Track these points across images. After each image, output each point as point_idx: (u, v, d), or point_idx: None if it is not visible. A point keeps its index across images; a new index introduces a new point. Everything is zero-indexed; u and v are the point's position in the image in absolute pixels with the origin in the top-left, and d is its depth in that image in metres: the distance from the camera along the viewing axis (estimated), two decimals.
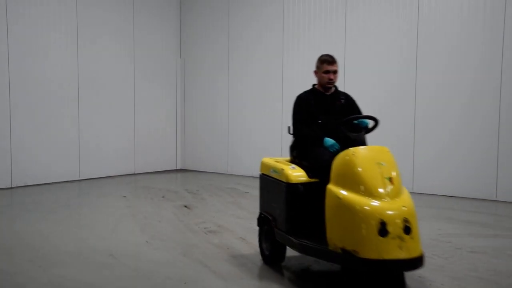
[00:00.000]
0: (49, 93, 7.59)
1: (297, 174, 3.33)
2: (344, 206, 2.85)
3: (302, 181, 3.28)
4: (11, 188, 7.13)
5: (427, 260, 3.71)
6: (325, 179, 3.09)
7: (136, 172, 9.09)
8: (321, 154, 3.38)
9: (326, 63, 3.69)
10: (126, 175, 8.84)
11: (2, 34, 6.96)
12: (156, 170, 9.46)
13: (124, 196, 6.59)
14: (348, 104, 3.78)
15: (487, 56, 6.27)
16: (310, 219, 3.20)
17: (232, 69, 9.02)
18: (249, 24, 8.75)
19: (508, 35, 6.12)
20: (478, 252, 3.97)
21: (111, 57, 8.52)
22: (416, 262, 2.85)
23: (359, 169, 2.95)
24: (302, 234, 3.18)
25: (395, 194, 2.90)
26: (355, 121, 3.54)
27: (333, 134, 3.47)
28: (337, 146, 3.40)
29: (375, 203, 2.79)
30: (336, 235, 2.86)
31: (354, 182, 2.91)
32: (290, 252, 3.50)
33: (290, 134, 3.76)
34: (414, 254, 2.81)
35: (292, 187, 3.27)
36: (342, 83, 7.53)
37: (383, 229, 2.70)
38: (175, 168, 9.90)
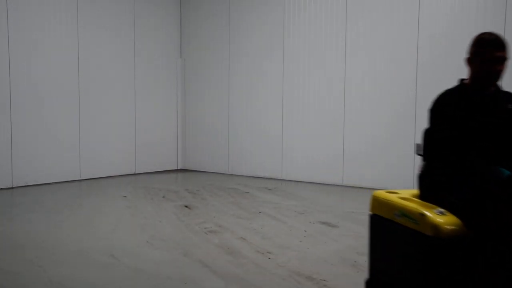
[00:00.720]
0: (50, 94, 7.60)
1: (450, 223, 2.16)
2: None
3: (458, 235, 2.13)
4: (12, 188, 7.14)
5: None
6: (495, 231, 2.02)
7: (136, 172, 9.10)
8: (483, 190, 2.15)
9: (492, 47, 2.41)
10: (126, 175, 8.85)
11: (3, 34, 6.96)
12: (157, 170, 9.47)
13: (125, 196, 6.60)
14: None
15: None
16: None
17: (233, 69, 9.02)
18: (250, 24, 8.74)
19: (509, 36, 6.11)
20: None
21: (111, 57, 8.53)
22: None
23: None
24: None
25: None
26: None
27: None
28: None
29: None
30: None
31: None
32: None
33: (419, 155, 2.66)
34: None
35: (443, 245, 2.12)
36: (343, 83, 7.54)
37: None
38: (176, 168, 9.91)
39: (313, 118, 7.96)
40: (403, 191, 2.70)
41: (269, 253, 3.91)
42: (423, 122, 6.98)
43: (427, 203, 2.37)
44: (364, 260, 3.70)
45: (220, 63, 9.21)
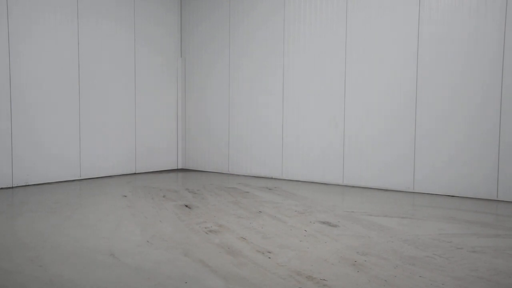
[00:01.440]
0: (50, 94, 7.60)
1: None
2: None
3: None
4: (12, 187, 7.14)
5: (428, 260, 3.71)
6: None
7: (136, 172, 9.10)
8: None
9: None
10: (126, 174, 8.86)
11: (3, 33, 6.97)
12: (157, 170, 9.48)
13: (125, 196, 6.60)
14: None
15: (486, 55, 6.26)
16: None
17: (233, 68, 9.02)
18: (250, 23, 8.74)
19: (509, 35, 6.11)
20: (479, 252, 3.97)
21: (112, 56, 8.53)
22: None
23: None
24: None
25: None
26: None
27: None
28: None
29: None
30: None
31: None
32: None
33: None
34: None
35: None
36: (343, 81, 7.54)
37: None
38: (176, 168, 9.91)
39: (314, 117, 7.96)
40: None
41: (269, 252, 3.91)
42: (424, 122, 7.04)
43: None
44: (364, 259, 3.71)
45: (220, 62, 9.21)
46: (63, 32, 7.73)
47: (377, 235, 4.48)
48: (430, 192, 6.83)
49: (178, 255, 3.87)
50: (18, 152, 7.22)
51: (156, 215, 5.35)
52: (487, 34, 6.24)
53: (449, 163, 6.64)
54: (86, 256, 3.83)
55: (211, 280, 3.29)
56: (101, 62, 8.34)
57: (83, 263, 3.66)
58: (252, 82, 8.78)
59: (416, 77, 6.84)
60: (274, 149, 8.52)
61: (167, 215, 5.37)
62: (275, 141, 8.49)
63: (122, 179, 8.26)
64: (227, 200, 6.33)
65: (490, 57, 6.24)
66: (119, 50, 8.68)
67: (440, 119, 6.68)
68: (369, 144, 7.32)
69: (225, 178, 8.54)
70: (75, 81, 7.95)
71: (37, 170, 7.48)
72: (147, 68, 9.21)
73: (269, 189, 7.31)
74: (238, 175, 8.97)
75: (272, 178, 8.54)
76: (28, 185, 7.35)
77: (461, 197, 6.57)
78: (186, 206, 5.90)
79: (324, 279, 3.29)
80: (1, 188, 7.03)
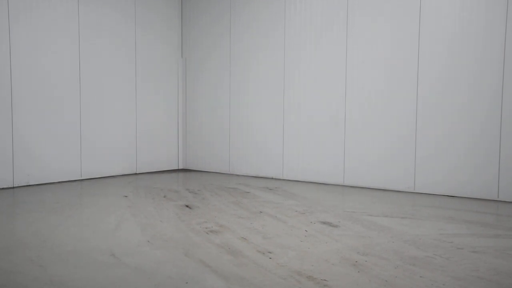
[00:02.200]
0: (51, 93, 7.61)
1: None
2: None
3: None
4: (13, 187, 7.15)
5: (428, 261, 3.71)
6: None
7: (137, 172, 9.11)
8: None
9: None
10: (127, 175, 8.86)
11: (4, 32, 6.97)
12: (158, 170, 9.48)
13: (126, 196, 6.60)
14: None
15: (488, 55, 6.26)
16: None
17: (234, 68, 9.02)
18: (251, 23, 8.75)
19: (510, 32, 6.10)
20: (480, 252, 3.96)
21: (112, 57, 8.54)
22: None
23: None
24: None
25: None
26: None
27: None
28: None
29: None
30: None
31: None
32: None
33: None
34: None
35: None
36: (344, 80, 7.54)
37: None
38: (177, 168, 9.92)
39: (314, 117, 7.95)
40: None
41: (270, 252, 3.91)
42: (424, 122, 7.03)
43: None
44: (365, 260, 3.71)
45: (222, 63, 9.21)
46: (64, 33, 7.74)
47: (378, 235, 4.48)
48: (431, 192, 6.82)
49: (178, 255, 3.87)
50: (19, 152, 7.22)
51: (156, 215, 5.35)
52: (489, 31, 6.24)
53: (450, 164, 6.64)
54: (87, 256, 3.83)
55: (212, 280, 3.29)
56: (102, 63, 8.34)
57: (84, 263, 3.66)
58: (253, 82, 8.77)
59: (417, 77, 6.84)
60: (275, 149, 8.52)
61: (168, 215, 5.37)
62: (276, 140, 8.49)
63: (122, 179, 8.27)
64: (228, 200, 6.33)
65: (491, 58, 6.24)
66: (120, 50, 8.67)
67: (441, 119, 6.68)
68: (369, 144, 7.32)
69: (225, 178, 8.54)
70: (76, 82, 7.95)
71: (38, 170, 7.49)
72: (148, 69, 9.21)
73: (270, 189, 7.31)
74: (239, 175, 8.97)
75: (272, 178, 8.54)
76: (29, 185, 7.36)
77: (461, 197, 6.56)
78: (187, 206, 5.90)
79: (324, 279, 3.29)
80: (2, 188, 7.03)
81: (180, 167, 9.98)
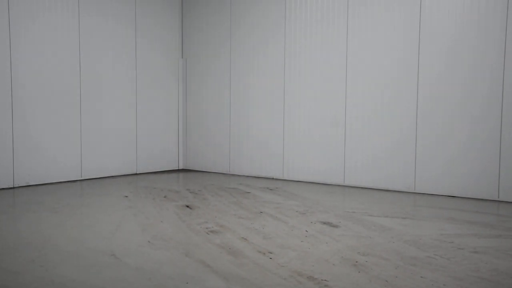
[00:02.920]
0: (51, 94, 7.61)
1: None
2: None
3: None
4: (13, 188, 7.15)
5: (429, 261, 3.71)
6: None
7: (138, 172, 9.11)
8: None
9: None
10: (128, 175, 8.86)
11: (4, 32, 6.98)
12: (158, 170, 9.49)
13: (126, 196, 6.60)
14: None
15: (488, 55, 6.26)
16: None
17: (235, 68, 9.03)
18: (251, 23, 8.75)
19: (510, 32, 6.10)
20: (480, 252, 3.96)
21: (113, 57, 8.54)
22: None
23: None
24: None
25: None
26: None
27: None
28: None
29: None
30: None
31: None
32: None
33: None
34: None
35: None
36: (344, 80, 7.54)
37: None
38: (177, 168, 9.92)
39: (315, 118, 7.96)
40: None
41: (271, 253, 3.91)
42: (424, 122, 7.02)
43: None
44: (365, 260, 3.71)
45: (222, 63, 9.21)
46: (64, 32, 7.74)
47: (378, 236, 4.48)
48: (431, 193, 6.82)
49: (179, 255, 3.87)
50: (19, 152, 7.22)
51: (157, 216, 5.35)
52: (490, 28, 6.24)
53: (450, 164, 6.64)
54: (87, 256, 3.83)
55: (212, 280, 3.29)
56: (102, 63, 8.35)
57: (84, 263, 3.66)
58: (254, 82, 8.77)
59: (417, 77, 6.84)
60: (275, 149, 8.52)
61: (168, 216, 5.37)
62: (276, 141, 8.49)
63: (123, 180, 8.27)
64: (228, 200, 6.33)
65: (492, 58, 6.24)
66: (120, 50, 8.68)
67: (442, 120, 6.67)
68: (370, 144, 7.32)
69: (226, 179, 8.54)
70: (76, 82, 7.95)
71: (38, 170, 7.49)
72: (149, 69, 9.22)
73: (270, 189, 7.31)
74: (239, 175, 8.97)
75: (273, 178, 8.54)
76: (29, 186, 7.36)
77: (462, 197, 6.56)
78: (187, 206, 5.90)
79: (325, 280, 3.29)
80: (2, 189, 7.04)
81: (181, 167, 9.98)
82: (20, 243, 4.25)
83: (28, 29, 7.24)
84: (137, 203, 6.14)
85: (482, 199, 6.40)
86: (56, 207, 5.85)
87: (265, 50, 8.55)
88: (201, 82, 9.62)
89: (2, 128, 7.02)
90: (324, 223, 5.00)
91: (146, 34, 9.13)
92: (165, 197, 6.56)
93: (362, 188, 7.44)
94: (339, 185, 7.72)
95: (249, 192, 6.99)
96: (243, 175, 8.93)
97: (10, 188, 7.13)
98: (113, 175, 8.64)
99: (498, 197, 6.29)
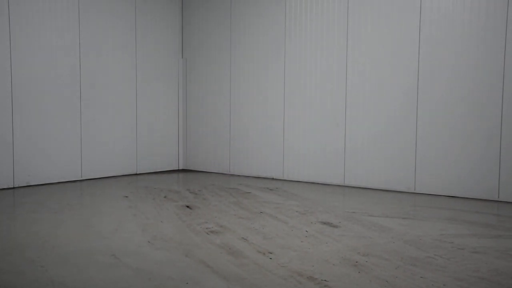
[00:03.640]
0: (51, 94, 7.61)
1: None
2: None
3: None
4: (13, 188, 7.15)
5: (429, 261, 3.71)
6: None
7: (138, 173, 9.11)
8: None
9: None
10: (128, 175, 8.86)
11: (4, 32, 6.97)
12: (158, 170, 9.48)
13: (126, 196, 6.60)
14: None
15: (488, 55, 6.25)
16: None
17: (234, 69, 9.02)
18: (251, 24, 8.75)
19: (510, 36, 6.10)
20: (481, 252, 3.96)
21: (113, 57, 8.54)
22: None
23: None
24: None
25: None
26: None
27: None
28: None
29: None
30: None
31: None
32: None
33: None
34: None
35: None
36: (344, 80, 7.54)
37: None
38: (177, 168, 9.92)
39: (315, 118, 7.96)
40: None
41: (271, 253, 3.91)
42: (425, 123, 7.02)
43: None
44: (365, 260, 3.71)
45: (222, 63, 9.21)
46: (64, 31, 7.74)
47: (378, 236, 4.48)
48: (431, 193, 6.82)
49: (179, 255, 3.87)
50: (19, 153, 7.22)
51: (157, 216, 5.35)
52: (490, 28, 6.24)
53: (450, 164, 6.63)
54: (87, 256, 3.83)
55: (212, 280, 3.29)
56: (102, 63, 8.34)
57: (84, 264, 3.66)
58: (253, 82, 8.78)
59: (417, 77, 6.84)
60: (275, 149, 8.52)
61: (168, 216, 5.37)
62: (276, 141, 8.49)
63: (123, 180, 8.27)
64: (228, 200, 6.33)
65: (492, 58, 6.24)
66: (121, 50, 8.68)
67: (442, 120, 6.67)
68: (370, 144, 7.32)
69: (226, 179, 8.54)
70: (76, 82, 7.95)
71: (38, 170, 7.49)
72: (149, 69, 9.22)
73: (270, 189, 7.31)
74: (239, 175, 8.97)
75: (273, 178, 8.54)
76: (29, 186, 7.36)
77: (462, 197, 6.56)
78: (187, 206, 5.90)
79: (325, 280, 3.29)
80: (2, 189, 7.04)
81: (181, 167, 9.98)
82: (20, 243, 4.25)
83: (28, 29, 7.24)
84: (137, 203, 6.13)
85: (482, 199, 6.39)
86: (56, 207, 5.85)
87: (265, 49, 8.55)
88: (201, 82, 9.61)
89: (2, 128, 7.02)
90: (324, 223, 5.00)
91: (146, 34, 9.13)
92: (165, 197, 6.56)
93: (362, 188, 7.44)
94: (339, 185, 7.72)
95: (249, 192, 6.99)
96: (243, 175, 8.93)
97: (10, 188, 7.13)
98: (113, 175, 8.64)
99: (498, 197, 6.29)
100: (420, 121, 6.86)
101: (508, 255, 3.90)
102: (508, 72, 6.13)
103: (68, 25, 7.79)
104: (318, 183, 7.93)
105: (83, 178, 8.16)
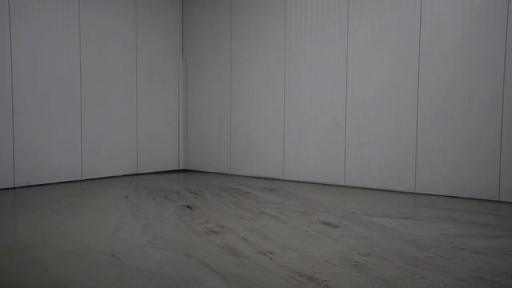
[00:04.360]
0: (52, 94, 7.61)
1: None
2: None
3: None
4: (14, 188, 7.15)
5: (429, 261, 3.71)
6: None
7: (138, 173, 9.11)
8: None
9: None
10: (128, 175, 8.87)
11: (5, 32, 6.98)
12: (158, 170, 9.49)
13: (126, 196, 6.60)
14: None
15: (489, 55, 6.25)
16: None
17: (235, 69, 9.03)
18: (252, 24, 8.75)
19: (511, 35, 6.10)
20: (481, 252, 3.96)
21: (113, 57, 8.54)
22: None
23: None
24: None
25: None
26: None
27: None
28: None
29: None
30: None
31: None
32: None
33: None
34: None
35: None
36: (345, 80, 7.54)
37: None
38: (177, 168, 9.92)
39: (315, 118, 7.95)
40: None
41: (271, 253, 3.91)
42: (425, 123, 7.01)
43: None
44: (365, 260, 3.71)
45: (222, 63, 9.22)
46: (65, 31, 7.74)
47: (379, 236, 4.48)
48: (431, 193, 6.82)
49: (179, 255, 3.87)
50: (20, 153, 7.22)
51: (157, 216, 5.36)
52: (491, 30, 6.24)
53: (451, 164, 6.63)
54: (88, 256, 3.83)
55: (212, 280, 3.29)
56: (103, 63, 8.35)
57: (85, 263, 3.66)
58: (254, 82, 8.78)
59: (418, 77, 6.84)
60: (275, 149, 8.52)
61: (169, 216, 5.37)
62: (276, 141, 8.49)
63: (123, 180, 8.27)
64: (229, 200, 6.33)
65: (492, 58, 6.24)
66: (121, 51, 8.68)
67: (442, 120, 6.67)
68: (370, 144, 7.32)
69: (226, 179, 8.54)
70: (77, 82, 7.95)
71: (39, 170, 7.49)
72: (149, 69, 9.22)
73: (271, 189, 7.31)
74: (240, 175, 8.97)
75: (273, 178, 8.54)
76: (30, 186, 7.36)
77: (462, 197, 6.56)
78: (188, 206, 5.90)
79: (325, 280, 3.29)
80: (3, 189, 7.04)
81: (181, 167, 9.98)
82: (20, 243, 4.26)
83: (28, 29, 7.24)
84: (137, 203, 6.14)
85: (482, 199, 6.39)
86: (57, 207, 5.85)
87: (265, 49, 8.55)
88: (201, 82, 9.62)
89: (2, 128, 7.02)
90: (325, 223, 5.00)
91: (147, 34, 9.13)
92: (165, 197, 6.56)
93: (362, 188, 7.44)
94: (339, 185, 7.72)
95: (249, 192, 6.99)
96: (243, 175, 8.93)
97: (11, 188, 7.13)
98: (113, 175, 8.64)
99: (498, 197, 6.29)
100: (420, 121, 6.86)
101: (508, 255, 3.90)
102: (509, 72, 6.13)
103: (68, 26, 7.78)
104: (318, 183, 7.93)
105: (84, 178, 8.16)
